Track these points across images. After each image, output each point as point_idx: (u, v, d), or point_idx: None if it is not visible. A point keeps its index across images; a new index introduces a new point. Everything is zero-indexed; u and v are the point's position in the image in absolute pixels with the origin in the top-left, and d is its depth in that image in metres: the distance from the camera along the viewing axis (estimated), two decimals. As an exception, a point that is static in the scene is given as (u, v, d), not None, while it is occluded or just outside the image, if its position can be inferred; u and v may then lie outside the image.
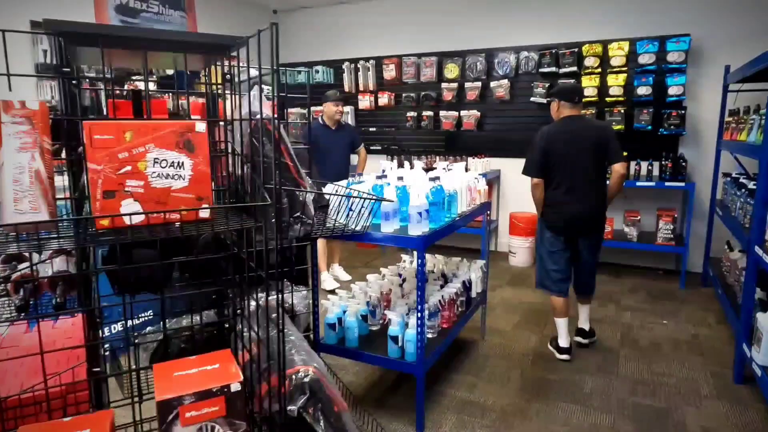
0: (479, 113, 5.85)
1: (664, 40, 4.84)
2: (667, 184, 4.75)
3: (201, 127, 1.09)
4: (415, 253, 2.80)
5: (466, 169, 5.53)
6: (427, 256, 3.68)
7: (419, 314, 2.43)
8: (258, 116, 1.01)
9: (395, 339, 2.54)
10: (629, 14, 5.12)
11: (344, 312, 2.72)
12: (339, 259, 5.15)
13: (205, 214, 1.03)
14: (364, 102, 6.45)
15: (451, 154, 5.92)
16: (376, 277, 3.22)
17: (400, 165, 5.29)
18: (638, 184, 4.84)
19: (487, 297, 3.67)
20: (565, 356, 3.33)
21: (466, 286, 3.28)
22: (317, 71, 6.61)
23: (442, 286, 3.17)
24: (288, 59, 7.00)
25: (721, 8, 4.80)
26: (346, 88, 6.51)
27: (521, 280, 5.10)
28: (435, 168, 3.15)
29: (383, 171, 3.10)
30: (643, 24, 5.04)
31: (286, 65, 6.92)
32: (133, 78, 4.87)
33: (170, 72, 5.19)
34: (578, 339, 3.57)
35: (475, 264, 3.57)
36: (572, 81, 5.23)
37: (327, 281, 4.71)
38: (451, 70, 5.93)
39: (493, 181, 5.97)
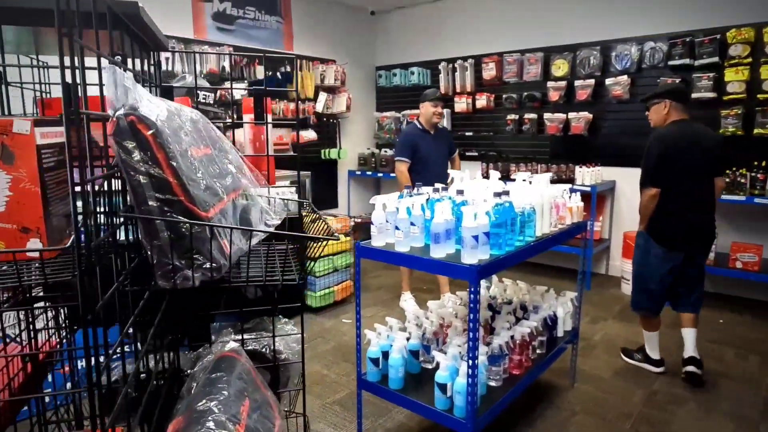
0: (591, 115, 5.08)
1: None
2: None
3: (22, 126, 0.77)
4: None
5: (565, 179, 4.89)
6: (506, 281, 3.14)
7: (470, 362, 1.96)
8: (120, 111, 0.69)
9: (443, 387, 2.10)
10: (795, -12, 4.06)
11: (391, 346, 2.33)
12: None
13: (34, 251, 0.74)
14: (461, 104, 5.97)
15: (556, 162, 5.22)
16: (439, 303, 2.79)
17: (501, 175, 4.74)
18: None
19: (579, 334, 3.03)
20: (662, 368, 3.20)
21: (549, 324, 2.70)
22: (412, 72, 6.28)
23: (517, 321, 2.64)
24: (384, 61, 6.78)
25: None
26: (443, 90, 6.08)
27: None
28: (514, 179, 2.62)
29: (451, 179, 2.64)
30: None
31: (382, 68, 6.70)
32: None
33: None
34: (691, 369, 3.01)
35: (564, 297, 2.96)
36: (677, 81, 4.35)
37: (408, 301, 4.31)
38: (560, 67, 5.23)
39: (605, 193, 5.16)
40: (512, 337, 2.42)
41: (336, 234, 1.25)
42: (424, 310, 2.73)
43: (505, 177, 4.89)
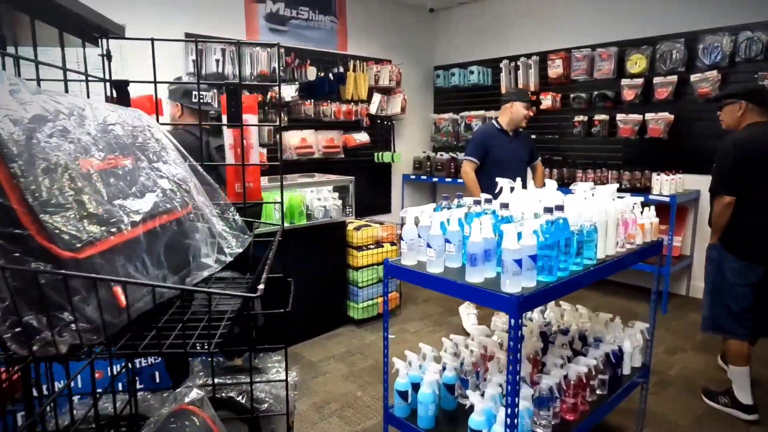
0: (672, 116, 4.51)
1: None
2: None
3: None
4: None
5: (641, 188, 4.31)
6: (564, 305, 2.76)
7: (509, 409, 1.64)
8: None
9: (477, 434, 1.79)
10: None
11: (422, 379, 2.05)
12: None
13: None
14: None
15: (630, 168, 4.69)
16: (482, 330, 2.47)
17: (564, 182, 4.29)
18: None
19: (650, 372, 2.58)
20: (754, 416, 2.71)
21: (612, 360, 2.30)
22: (471, 72, 5.92)
23: (575, 354, 2.28)
24: (442, 61, 6.47)
25: None
26: (503, 90, 5.69)
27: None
28: (575, 187, 2.25)
29: (499, 189, 2.30)
30: None
31: (440, 67, 6.41)
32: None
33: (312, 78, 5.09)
34: None
35: (633, 327, 2.54)
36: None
37: (469, 317, 3.98)
38: (636, 63, 4.69)
39: (688, 204, 4.57)
40: (566, 376, 2.06)
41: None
42: (462, 337, 2.42)
43: (570, 183, 4.44)
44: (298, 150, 5.05)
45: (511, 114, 3.70)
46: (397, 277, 2.02)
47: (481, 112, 5.92)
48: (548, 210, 1.78)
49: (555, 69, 5.21)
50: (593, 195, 2.23)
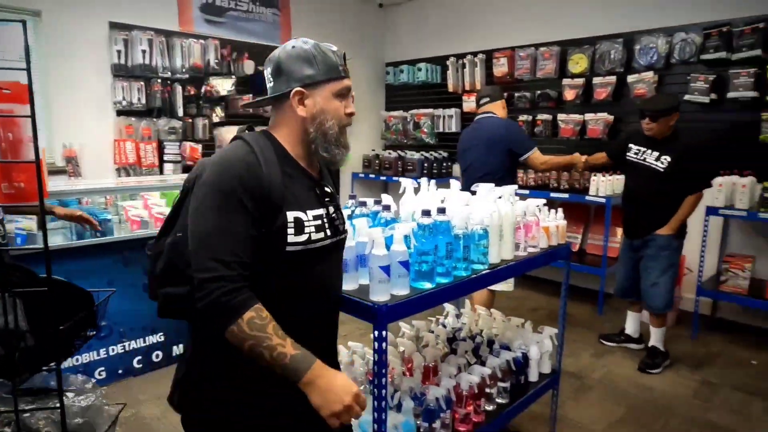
0: (611, 117, 4.49)
1: None
2: None
3: None
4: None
5: (579, 188, 4.23)
6: (480, 310, 2.68)
7: (375, 425, 1.54)
8: None
9: (350, 451, 1.68)
10: None
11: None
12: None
13: None
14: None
15: (569, 169, 4.65)
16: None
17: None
18: None
19: (560, 378, 2.52)
20: (641, 345, 3.55)
21: (514, 368, 2.22)
22: (420, 69, 5.83)
23: (478, 360, 2.20)
24: (393, 57, 6.36)
25: None
26: (451, 88, 5.62)
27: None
28: (476, 187, 2.13)
29: (403, 189, 2.17)
30: None
31: (391, 64, 6.30)
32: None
33: (249, 72, 4.91)
34: None
35: (542, 333, 2.47)
36: (710, 77, 3.66)
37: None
38: (578, 62, 4.66)
39: (625, 205, 4.55)
40: (460, 383, 1.97)
41: None
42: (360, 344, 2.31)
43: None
44: (236, 146, 4.87)
45: (502, 111, 3.50)
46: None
47: (430, 110, 5.84)
48: (426, 213, 1.68)
49: (500, 67, 5.15)
50: (499, 197, 2.14)
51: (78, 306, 1.14)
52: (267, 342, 1.07)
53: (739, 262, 3.67)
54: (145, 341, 3.17)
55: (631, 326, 3.63)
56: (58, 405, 0.98)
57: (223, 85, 4.71)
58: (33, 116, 0.96)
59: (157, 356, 3.24)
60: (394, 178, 5.78)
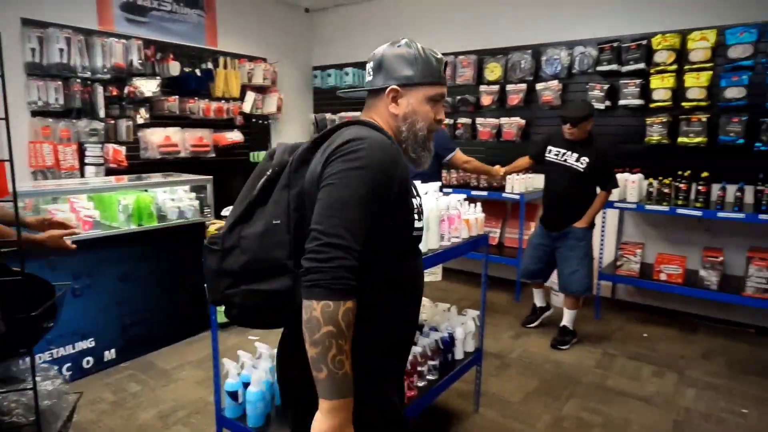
0: (523, 121, 4.93)
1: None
2: (762, 216, 3.55)
3: None
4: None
5: (496, 187, 4.63)
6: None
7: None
8: None
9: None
10: (718, -5, 3.98)
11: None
12: None
13: None
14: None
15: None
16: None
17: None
18: (721, 215, 3.68)
19: (482, 356, 2.81)
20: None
21: (441, 346, 2.47)
22: (347, 73, 6.02)
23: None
24: (321, 62, 6.51)
25: None
26: (377, 92, 5.84)
27: (556, 323, 4.10)
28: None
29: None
30: (738, 6, 3.88)
31: (319, 68, 6.44)
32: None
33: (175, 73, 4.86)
34: None
35: (466, 315, 2.74)
36: (605, 86, 4.23)
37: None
38: (493, 71, 5.06)
39: (537, 202, 5.00)
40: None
41: None
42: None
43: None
44: (162, 148, 4.79)
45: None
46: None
47: (357, 114, 6.02)
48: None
49: (423, 74, 5.45)
50: (425, 193, 2.37)
51: (40, 297, 1.20)
52: (341, 341, 0.98)
53: (631, 248, 4.19)
54: (74, 347, 3.10)
55: (539, 300, 4.11)
56: (30, 387, 1.05)
57: (148, 86, 4.62)
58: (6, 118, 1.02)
59: (88, 362, 3.17)
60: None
